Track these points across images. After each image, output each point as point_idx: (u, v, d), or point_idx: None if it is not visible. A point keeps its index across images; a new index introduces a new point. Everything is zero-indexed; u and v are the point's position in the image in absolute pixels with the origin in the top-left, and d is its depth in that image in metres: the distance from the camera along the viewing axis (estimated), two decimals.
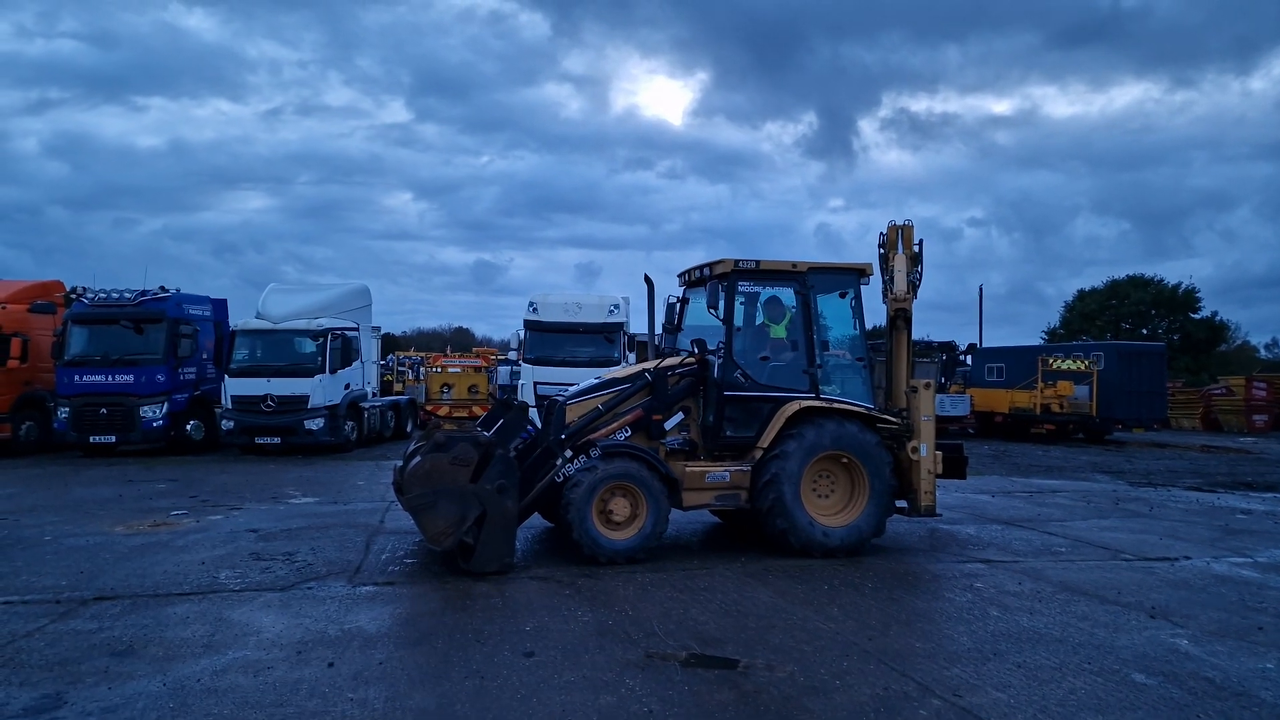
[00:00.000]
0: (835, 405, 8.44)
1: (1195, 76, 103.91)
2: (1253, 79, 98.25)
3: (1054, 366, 24.77)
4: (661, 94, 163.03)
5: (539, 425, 8.90)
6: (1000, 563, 8.22)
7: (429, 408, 24.88)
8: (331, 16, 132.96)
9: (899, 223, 9.40)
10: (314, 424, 17.52)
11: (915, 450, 8.59)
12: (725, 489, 8.32)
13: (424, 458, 7.28)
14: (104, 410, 16.81)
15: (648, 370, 8.52)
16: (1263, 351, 53.98)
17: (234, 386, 17.50)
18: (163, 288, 17.89)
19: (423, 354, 35.53)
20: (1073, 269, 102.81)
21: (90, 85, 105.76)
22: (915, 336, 9.63)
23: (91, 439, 16.90)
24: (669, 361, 8.64)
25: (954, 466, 9.06)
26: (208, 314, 19.13)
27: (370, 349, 21.17)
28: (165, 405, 17.19)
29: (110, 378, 16.89)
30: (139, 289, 17.59)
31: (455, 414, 23.80)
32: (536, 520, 9.00)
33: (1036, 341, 44.49)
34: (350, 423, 18.75)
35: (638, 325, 17.83)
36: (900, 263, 9.28)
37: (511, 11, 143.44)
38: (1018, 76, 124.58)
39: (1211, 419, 31.37)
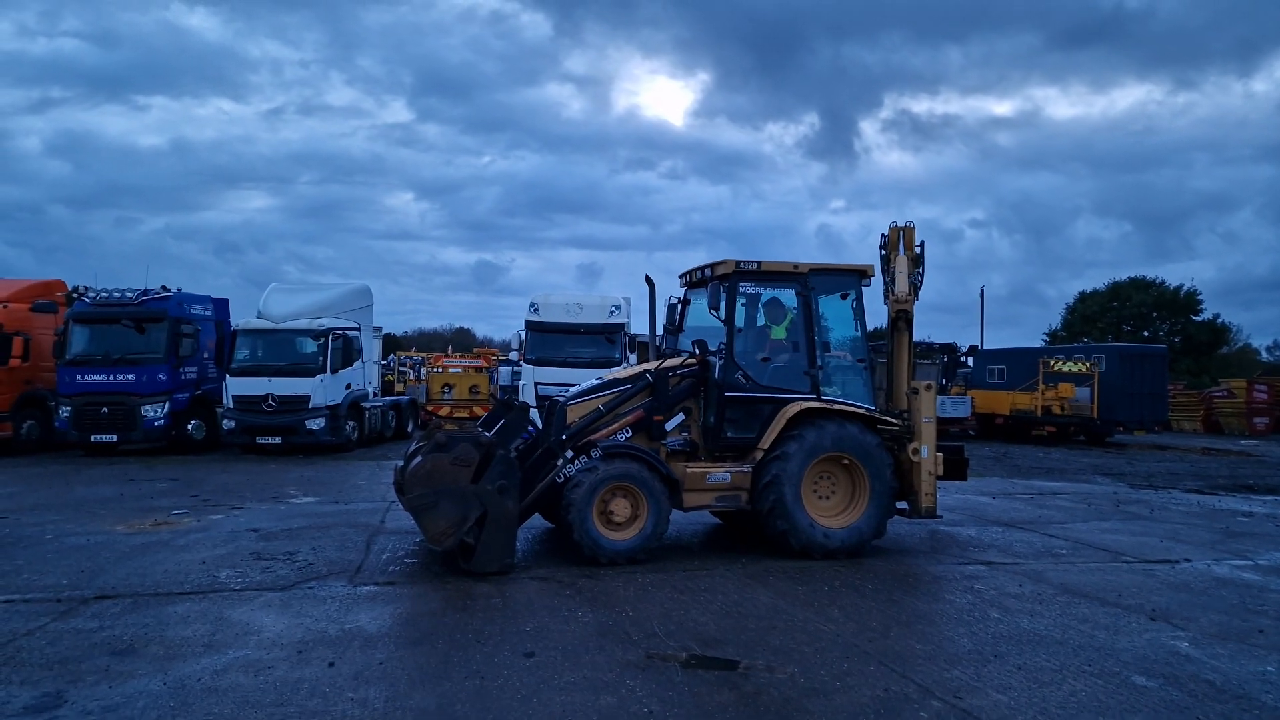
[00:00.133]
0: (836, 407, 8.44)
1: (1197, 78, 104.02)
2: (1255, 81, 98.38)
3: (1055, 368, 24.76)
4: (663, 94, 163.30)
5: (540, 426, 8.90)
6: (1001, 565, 8.22)
7: (430, 408, 24.89)
8: (333, 16, 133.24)
9: (900, 224, 9.40)
10: (315, 424, 17.52)
11: (916, 452, 8.59)
12: (726, 490, 8.32)
13: (425, 458, 7.29)
14: (105, 409, 16.82)
15: (649, 371, 8.53)
16: (1264, 354, 54.07)
17: (235, 386, 17.52)
18: (164, 287, 17.90)
19: (424, 354, 35.56)
20: (1074, 271, 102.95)
21: (92, 84, 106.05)
22: (916, 338, 9.63)
23: (93, 438, 16.91)
24: (670, 362, 8.64)
25: (955, 468, 9.06)
26: (209, 313, 19.14)
27: (371, 349, 21.17)
28: (166, 404, 17.20)
29: (112, 377, 16.90)
30: (140, 288, 17.60)
31: (456, 414, 23.80)
32: (537, 521, 9.00)
33: (1038, 343, 44.55)
34: (351, 423, 18.76)
35: (639, 326, 17.84)
36: (902, 264, 9.27)
37: (513, 11, 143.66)
38: (1019, 78, 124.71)
39: (1213, 421, 31.35)
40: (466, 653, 5.36)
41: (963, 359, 29.48)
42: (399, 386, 30.49)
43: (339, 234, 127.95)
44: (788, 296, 8.78)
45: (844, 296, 8.84)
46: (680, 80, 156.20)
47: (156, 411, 17.07)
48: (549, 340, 18.13)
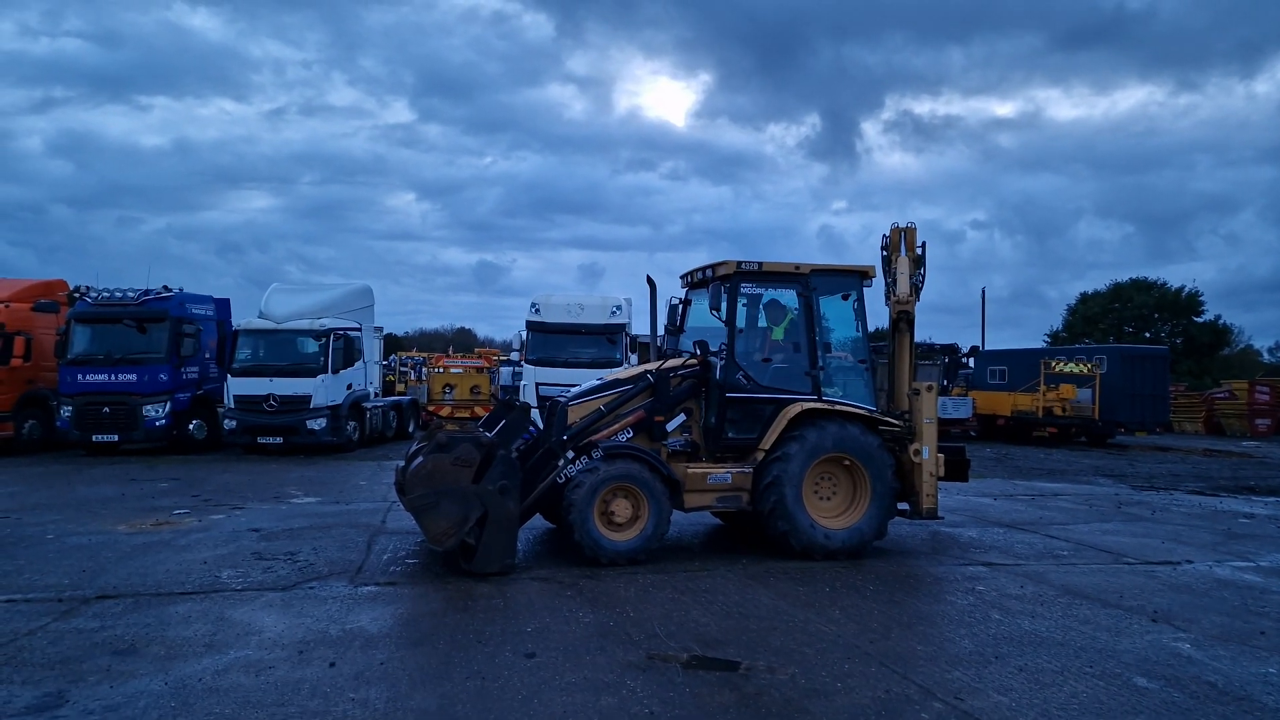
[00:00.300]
0: (837, 407, 8.44)
1: (1199, 80, 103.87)
2: (1257, 82, 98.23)
3: (1056, 369, 24.75)
4: (664, 95, 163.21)
5: (541, 426, 8.90)
6: (1002, 566, 8.21)
7: (431, 408, 24.93)
8: (335, 16, 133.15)
9: (902, 225, 9.40)
10: (316, 424, 17.54)
11: (917, 453, 8.58)
12: (727, 490, 8.32)
13: (426, 458, 7.29)
14: (107, 409, 16.84)
15: (650, 372, 8.53)
16: (1266, 355, 53.99)
17: (237, 386, 17.53)
18: (166, 287, 17.94)
19: (425, 354, 35.55)
20: (1075, 272, 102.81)
21: (94, 84, 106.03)
22: (918, 339, 9.63)
23: (94, 438, 16.94)
24: (671, 363, 8.65)
25: (956, 469, 9.05)
26: (210, 313, 19.17)
27: (372, 349, 21.19)
28: (168, 404, 17.22)
29: (113, 377, 16.92)
30: (142, 288, 17.64)
31: (457, 414, 23.84)
32: (538, 521, 9.00)
33: (1039, 344, 44.57)
34: (352, 423, 18.77)
35: (640, 326, 17.87)
36: (903, 265, 9.27)
37: (515, 12, 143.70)
38: (1021, 79, 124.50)
39: (1214, 423, 31.34)
40: (467, 653, 5.36)
41: (964, 360, 29.58)
42: (400, 387, 30.48)
43: (340, 234, 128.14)
44: (789, 297, 8.79)
45: (845, 297, 8.84)
46: (682, 81, 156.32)
47: (158, 411, 17.09)
48: (550, 341, 18.14)
